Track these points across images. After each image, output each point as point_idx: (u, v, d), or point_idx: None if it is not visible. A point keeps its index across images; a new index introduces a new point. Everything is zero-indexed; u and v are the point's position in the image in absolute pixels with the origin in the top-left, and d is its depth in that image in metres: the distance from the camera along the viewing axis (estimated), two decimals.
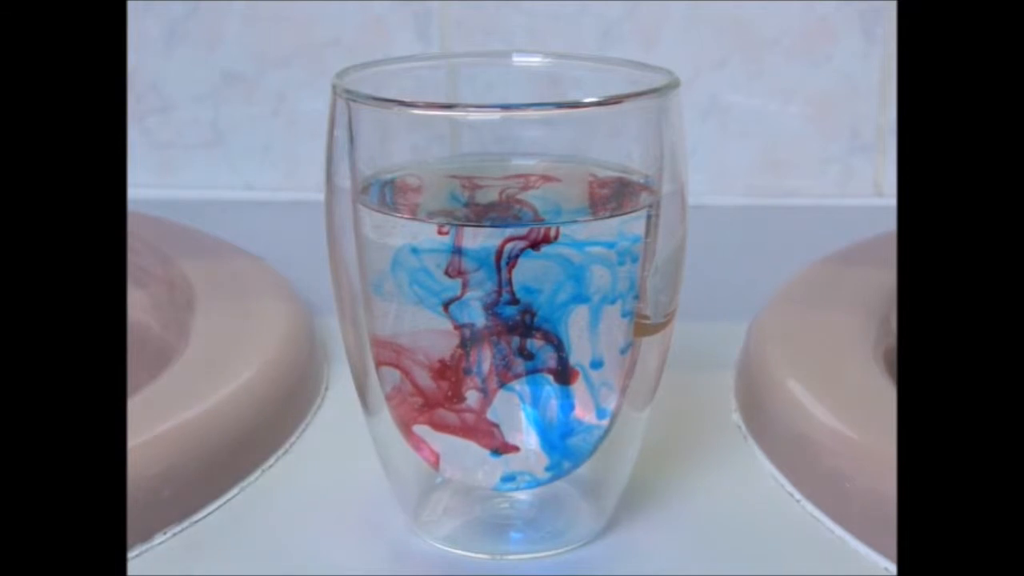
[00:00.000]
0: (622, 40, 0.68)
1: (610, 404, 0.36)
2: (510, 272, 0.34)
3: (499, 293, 0.34)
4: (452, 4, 0.68)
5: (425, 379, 0.35)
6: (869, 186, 0.70)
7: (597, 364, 0.35)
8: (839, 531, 0.39)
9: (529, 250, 0.34)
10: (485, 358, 0.35)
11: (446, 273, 0.34)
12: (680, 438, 0.44)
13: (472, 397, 0.35)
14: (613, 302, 0.35)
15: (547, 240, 0.34)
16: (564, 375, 0.35)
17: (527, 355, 0.35)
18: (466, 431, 0.36)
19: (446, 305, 0.34)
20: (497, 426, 0.36)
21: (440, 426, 0.36)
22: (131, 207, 0.55)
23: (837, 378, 0.43)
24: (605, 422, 0.37)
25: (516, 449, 0.36)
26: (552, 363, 0.35)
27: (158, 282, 0.53)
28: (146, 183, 0.70)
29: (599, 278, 0.35)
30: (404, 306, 0.35)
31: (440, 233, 0.34)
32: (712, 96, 0.69)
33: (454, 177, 0.36)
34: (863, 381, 0.42)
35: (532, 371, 0.35)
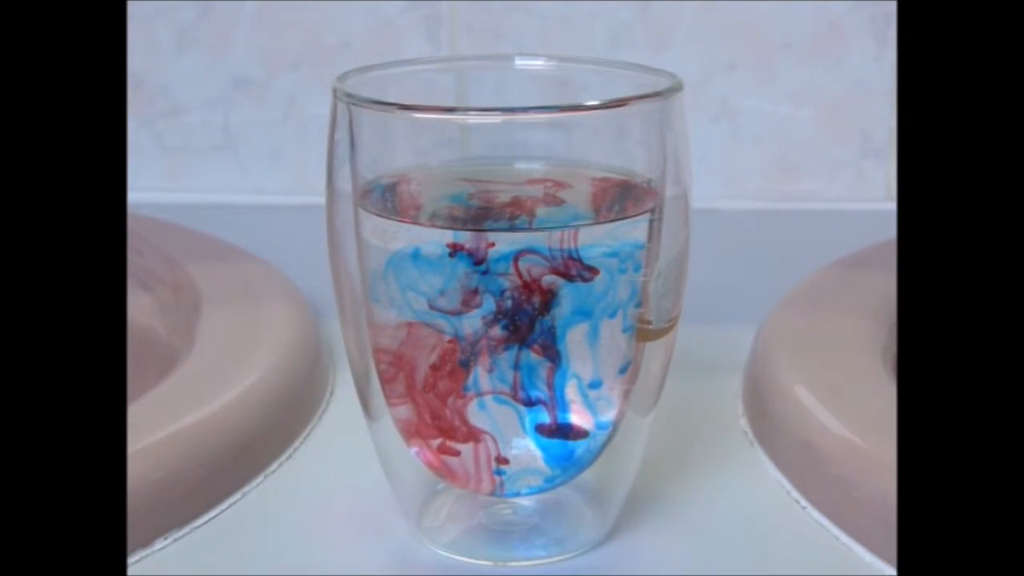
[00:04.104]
0: (632, 43, 0.68)
1: (609, 416, 0.36)
2: (537, 279, 0.34)
3: (526, 300, 0.34)
4: (462, 7, 0.68)
5: (421, 385, 0.35)
6: (881, 190, 0.69)
7: (596, 384, 0.35)
8: (845, 538, 0.38)
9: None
10: (483, 368, 0.34)
11: (458, 281, 0.34)
12: (686, 443, 0.44)
13: (464, 428, 0.35)
14: (614, 314, 0.35)
15: (583, 280, 0.34)
16: (565, 430, 0.35)
17: (528, 403, 0.35)
18: (466, 480, 0.36)
19: (448, 311, 0.34)
20: (497, 455, 0.36)
21: (437, 465, 0.36)
22: (140, 211, 0.55)
23: (845, 385, 0.43)
24: (606, 432, 0.37)
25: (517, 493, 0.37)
26: (547, 403, 0.35)
27: (164, 286, 0.53)
28: (156, 187, 0.70)
29: (601, 286, 0.34)
30: (402, 312, 0.35)
31: (452, 248, 0.33)
32: (723, 100, 0.69)
33: (464, 180, 0.36)
34: (872, 388, 0.42)
35: (528, 403, 0.35)
